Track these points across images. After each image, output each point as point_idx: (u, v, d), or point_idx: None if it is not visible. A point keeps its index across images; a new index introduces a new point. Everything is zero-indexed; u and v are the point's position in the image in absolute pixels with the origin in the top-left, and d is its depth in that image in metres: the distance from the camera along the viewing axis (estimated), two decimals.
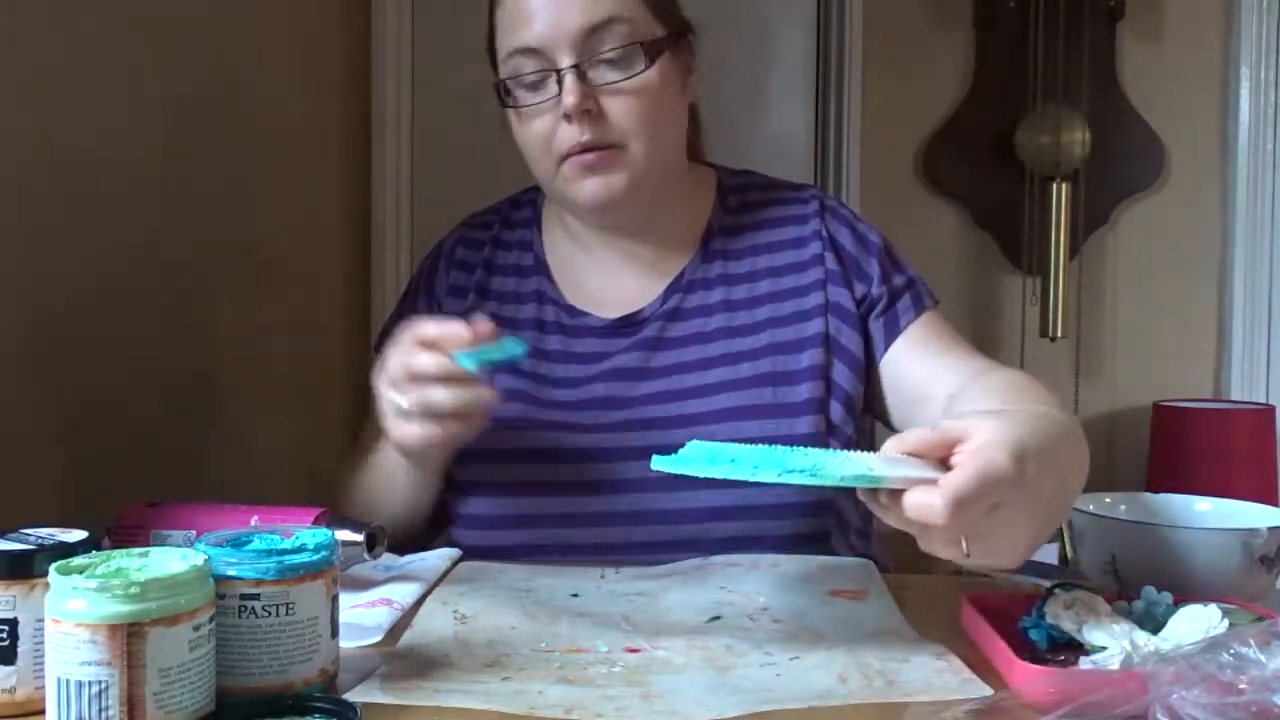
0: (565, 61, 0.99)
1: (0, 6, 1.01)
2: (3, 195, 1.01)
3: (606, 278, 1.12)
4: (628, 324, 1.09)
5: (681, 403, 1.04)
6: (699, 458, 0.73)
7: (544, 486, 1.03)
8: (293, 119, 1.71)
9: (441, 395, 0.87)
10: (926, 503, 0.65)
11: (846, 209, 1.14)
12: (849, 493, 0.72)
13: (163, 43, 1.28)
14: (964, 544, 0.69)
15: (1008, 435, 0.68)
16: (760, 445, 0.74)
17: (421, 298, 1.16)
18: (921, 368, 1.05)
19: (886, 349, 1.07)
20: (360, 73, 2.18)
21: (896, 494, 0.68)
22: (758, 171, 1.19)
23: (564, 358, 1.09)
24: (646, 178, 1.03)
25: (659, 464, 0.75)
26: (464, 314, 1.11)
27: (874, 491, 0.69)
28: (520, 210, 1.18)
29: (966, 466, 0.67)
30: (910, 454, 0.70)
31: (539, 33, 0.99)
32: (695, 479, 1.00)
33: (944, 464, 0.69)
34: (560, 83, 0.99)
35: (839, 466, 0.68)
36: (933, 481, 0.67)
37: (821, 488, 0.69)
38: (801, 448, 0.73)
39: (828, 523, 1.04)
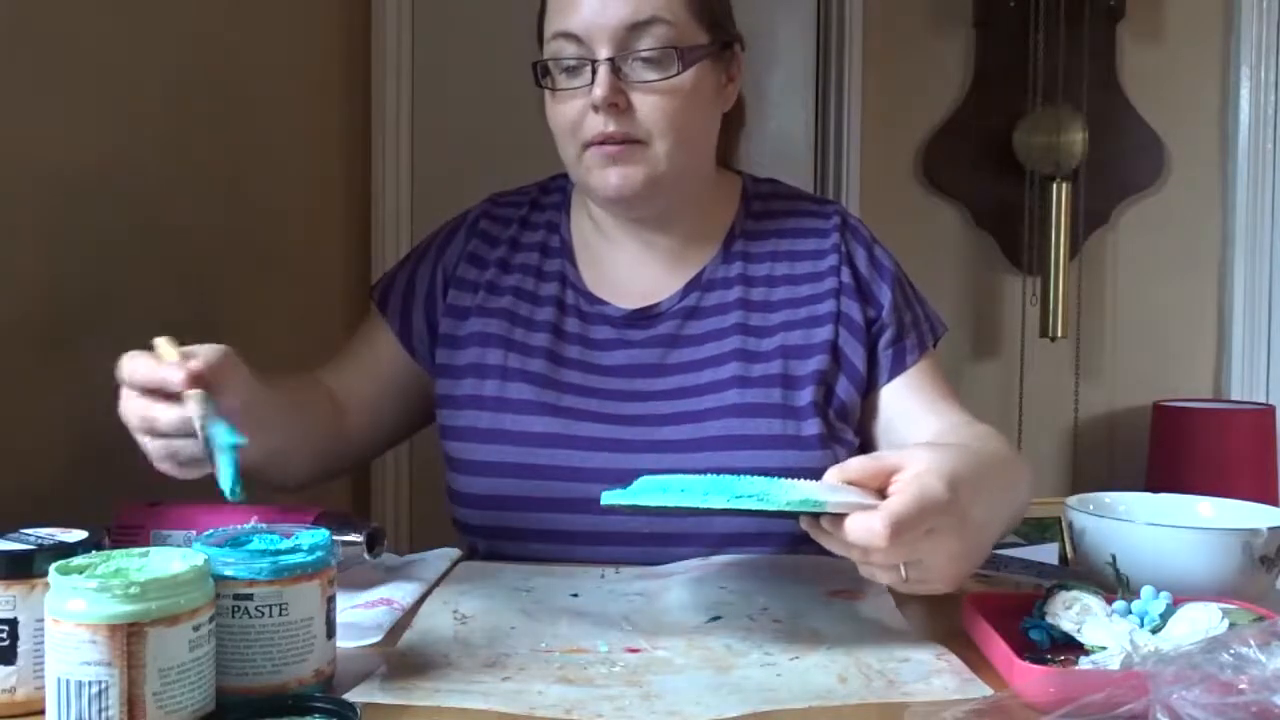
0: (603, 53, 1.00)
1: (1, 7, 1.01)
2: (2, 196, 1.02)
3: (626, 268, 1.13)
4: (643, 316, 1.10)
5: (694, 398, 1.05)
6: (650, 488, 0.76)
7: (550, 470, 1.04)
8: (293, 118, 1.72)
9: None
10: (867, 526, 0.70)
11: (866, 230, 1.16)
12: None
13: (163, 42, 1.28)
14: (902, 569, 0.73)
15: (942, 464, 0.74)
16: (710, 475, 0.76)
17: (426, 261, 1.17)
18: (914, 408, 1.08)
19: (889, 380, 1.09)
20: (360, 72, 2.18)
21: (838, 520, 0.72)
22: (782, 182, 1.21)
23: (580, 340, 1.10)
24: (666, 176, 1.04)
25: (609, 498, 0.78)
26: (481, 285, 1.13)
27: (816, 519, 0.73)
28: (550, 195, 1.20)
29: (905, 492, 0.71)
30: (851, 482, 0.74)
31: (583, 20, 1.01)
32: (696, 473, 1.01)
33: (881, 493, 0.74)
34: (594, 73, 1.01)
35: (785, 492, 0.72)
36: (872, 508, 0.71)
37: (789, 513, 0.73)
38: (748, 476, 0.75)
39: None
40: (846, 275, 1.10)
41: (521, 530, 1.04)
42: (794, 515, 0.74)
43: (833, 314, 1.08)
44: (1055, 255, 2.64)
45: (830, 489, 0.73)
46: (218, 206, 1.42)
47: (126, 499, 0.96)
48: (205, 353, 0.79)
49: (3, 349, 1.02)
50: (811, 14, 2.64)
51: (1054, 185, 2.63)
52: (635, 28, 1.00)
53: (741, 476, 0.74)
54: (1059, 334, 2.64)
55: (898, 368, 1.09)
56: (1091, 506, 0.93)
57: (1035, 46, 2.65)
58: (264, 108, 1.57)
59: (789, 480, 0.74)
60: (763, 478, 0.74)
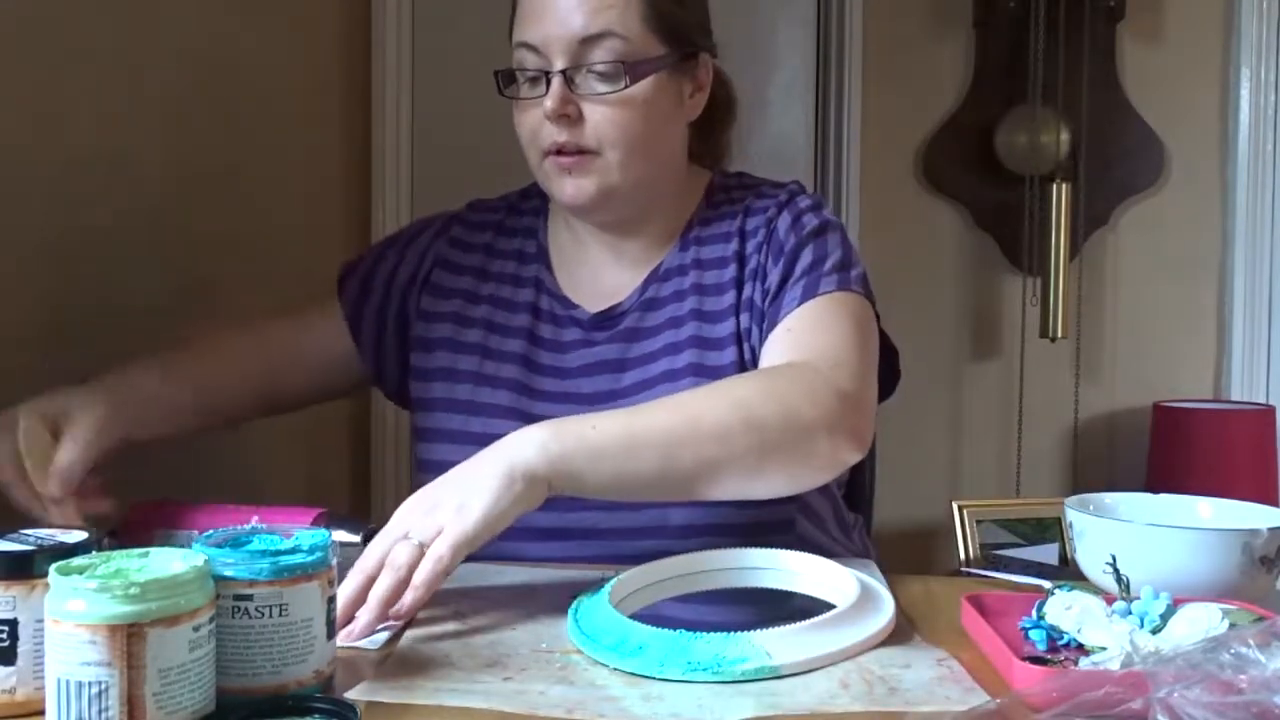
0: (557, 65, 1.02)
1: (2, 6, 1.01)
2: (3, 197, 1.02)
3: (596, 271, 1.14)
4: (608, 317, 1.11)
5: (654, 389, 1.05)
6: (608, 633, 0.75)
7: None
8: (293, 118, 1.72)
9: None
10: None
11: (811, 199, 1.12)
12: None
13: (163, 42, 1.28)
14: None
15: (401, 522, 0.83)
16: (665, 630, 0.74)
17: (388, 257, 1.19)
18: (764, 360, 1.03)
19: (765, 336, 1.04)
20: (360, 72, 2.18)
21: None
22: (753, 175, 1.20)
23: (552, 346, 1.11)
24: (620, 186, 1.05)
25: (573, 633, 0.77)
26: (457, 291, 1.14)
27: None
28: (529, 200, 1.21)
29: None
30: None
31: (541, 32, 1.03)
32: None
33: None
34: (548, 84, 1.02)
35: (739, 659, 0.71)
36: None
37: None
38: (703, 634, 0.73)
39: (790, 511, 1.04)
40: (760, 249, 1.07)
41: None
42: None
43: (746, 299, 1.06)
44: (1055, 256, 2.64)
45: (782, 638, 0.73)
46: (218, 206, 1.42)
47: (132, 498, 0.96)
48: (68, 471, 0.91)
49: (3, 348, 1.02)
50: (811, 14, 2.64)
51: (1054, 186, 2.63)
52: (587, 41, 1.01)
53: (698, 634, 0.73)
54: (1059, 334, 2.64)
55: (772, 322, 1.04)
56: (1091, 507, 0.93)
57: (1035, 47, 2.65)
58: (264, 108, 1.57)
59: (740, 635, 0.73)
60: (718, 635, 0.73)
